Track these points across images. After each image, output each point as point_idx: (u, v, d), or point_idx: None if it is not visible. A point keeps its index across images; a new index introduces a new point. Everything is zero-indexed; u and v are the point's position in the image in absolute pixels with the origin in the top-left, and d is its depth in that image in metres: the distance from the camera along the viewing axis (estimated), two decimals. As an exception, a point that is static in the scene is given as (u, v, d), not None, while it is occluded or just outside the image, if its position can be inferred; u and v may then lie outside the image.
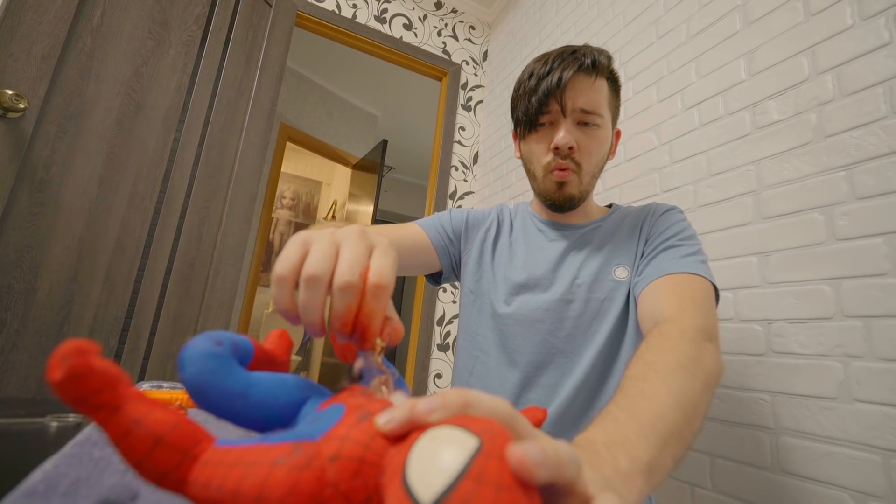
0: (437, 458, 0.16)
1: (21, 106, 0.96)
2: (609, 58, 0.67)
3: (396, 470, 0.17)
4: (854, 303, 0.69)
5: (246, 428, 0.23)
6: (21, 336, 0.97)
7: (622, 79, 1.30)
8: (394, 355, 4.60)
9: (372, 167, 3.25)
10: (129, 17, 1.18)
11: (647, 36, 1.24)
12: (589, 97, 0.64)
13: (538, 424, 0.29)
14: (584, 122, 0.65)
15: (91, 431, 0.33)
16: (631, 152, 1.21)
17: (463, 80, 2.18)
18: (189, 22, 1.32)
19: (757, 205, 0.86)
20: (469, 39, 2.25)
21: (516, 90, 0.70)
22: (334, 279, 0.26)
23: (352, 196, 3.63)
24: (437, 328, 1.92)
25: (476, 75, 2.23)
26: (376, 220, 2.90)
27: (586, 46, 0.66)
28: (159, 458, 0.18)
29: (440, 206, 2.02)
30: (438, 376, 1.87)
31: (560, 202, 0.68)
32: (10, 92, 0.94)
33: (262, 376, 0.24)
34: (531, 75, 0.66)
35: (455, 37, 2.21)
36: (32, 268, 1.00)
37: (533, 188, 0.72)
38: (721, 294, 0.89)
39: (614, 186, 1.25)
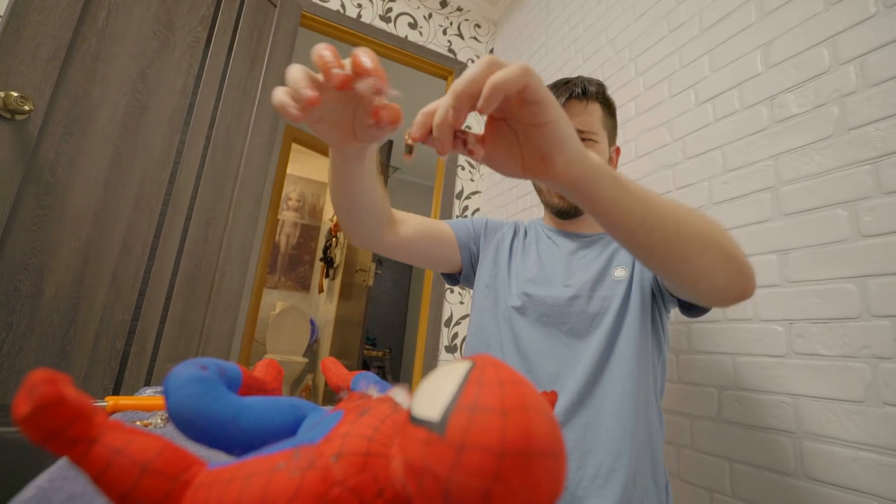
0: (436, 383, 0.16)
1: (26, 108, 0.95)
2: (599, 85, 0.75)
3: (404, 423, 0.17)
4: (881, 302, 0.66)
5: (240, 456, 0.21)
6: (27, 339, 0.97)
7: (632, 73, 1.28)
8: (401, 357, 4.59)
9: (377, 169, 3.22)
10: (134, 18, 1.17)
11: (658, 30, 1.21)
12: (582, 119, 0.71)
13: (551, 406, 0.28)
14: (581, 139, 0.70)
15: (63, 461, 0.32)
16: (643, 148, 1.18)
17: (469, 79, 2.16)
18: (194, 23, 1.31)
19: (776, 201, 0.84)
20: (475, 38, 2.23)
21: None
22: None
23: (358, 197, 3.61)
24: (444, 329, 1.90)
25: (482, 74, 2.21)
26: (382, 220, 2.90)
27: (578, 77, 0.74)
28: (147, 487, 0.16)
29: (447, 205, 2.00)
30: (446, 378, 1.85)
31: (565, 209, 0.76)
32: (15, 94, 0.94)
33: (254, 399, 0.23)
34: None
35: (460, 35, 2.19)
36: (38, 270, 0.99)
37: (542, 201, 0.81)
38: (739, 293, 0.86)
39: (625, 184, 1.22)
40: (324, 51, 0.34)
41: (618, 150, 0.81)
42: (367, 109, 0.39)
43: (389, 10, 2.01)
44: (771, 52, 0.90)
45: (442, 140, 0.33)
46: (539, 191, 0.80)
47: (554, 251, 0.78)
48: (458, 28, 2.19)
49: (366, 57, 0.33)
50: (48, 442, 0.15)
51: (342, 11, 1.88)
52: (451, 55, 2.13)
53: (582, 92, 0.71)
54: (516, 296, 0.74)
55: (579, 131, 0.70)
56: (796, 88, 0.84)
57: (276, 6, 1.58)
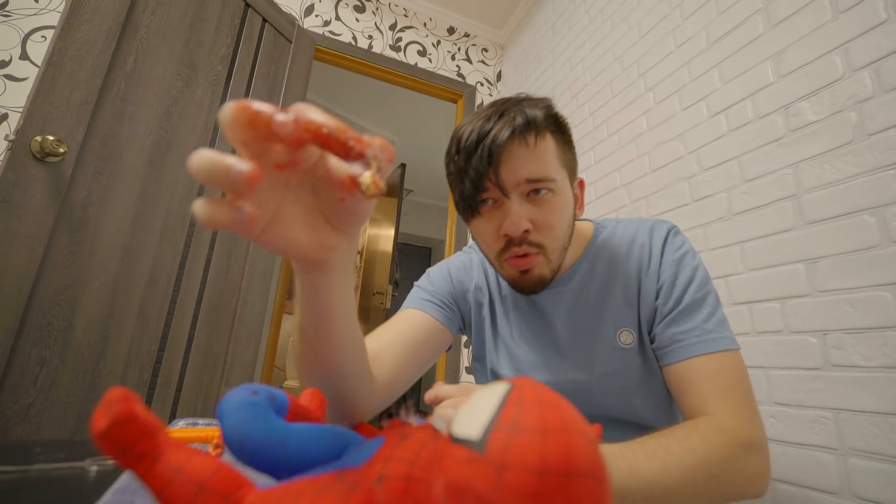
0: (475, 404, 0.16)
1: (61, 150, 1.00)
2: (547, 106, 0.54)
3: (445, 443, 0.17)
4: (920, 309, 0.64)
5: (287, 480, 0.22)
6: (60, 373, 0.99)
7: (641, 89, 1.29)
8: (421, 379, 4.55)
9: (391, 191, 3.28)
10: (160, 60, 1.24)
11: (666, 45, 1.22)
12: (532, 165, 0.50)
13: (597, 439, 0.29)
14: (535, 190, 0.52)
15: (129, 478, 0.32)
16: (657, 162, 1.18)
17: (478, 101, 2.21)
18: (215, 62, 1.38)
19: (798, 209, 0.82)
20: (483, 61, 2.29)
21: (447, 165, 0.56)
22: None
23: (373, 220, 3.66)
24: (464, 350, 1.89)
25: (491, 95, 2.25)
26: (398, 243, 2.92)
27: (517, 102, 0.53)
28: None
29: (461, 226, 2.01)
30: (468, 400, 1.83)
31: (529, 287, 0.55)
32: (51, 138, 0.99)
33: (301, 426, 0.23)
34: (458, 149, 0.53)
35: (469, 59, 2.25)
36: (70, 305, 1.02)
37: (497, 273, 0.61)
38: (767, 304, 0.84)
39: (642, 198, 1.22)
40: (244, 103, 0.22)
41: (581, 184, 0.61)
42: (327, 175, 0.26)
43: (399, 39, 2.07)
44: (782, 61, 0.90)
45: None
46: (490, 262, 0.58)
47: (532, 321, 0.64)
48: (467, 53, 2.25)
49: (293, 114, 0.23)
50: (119, 456, 0.17)
51: (354, 43, 1.95)
52: (460, 79, 2.18)
53: (525, 124, 0.50)
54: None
55: (531, 181, 0.51)
56: (811, 96, 0.83)
57: (291, 42, 1.65)
